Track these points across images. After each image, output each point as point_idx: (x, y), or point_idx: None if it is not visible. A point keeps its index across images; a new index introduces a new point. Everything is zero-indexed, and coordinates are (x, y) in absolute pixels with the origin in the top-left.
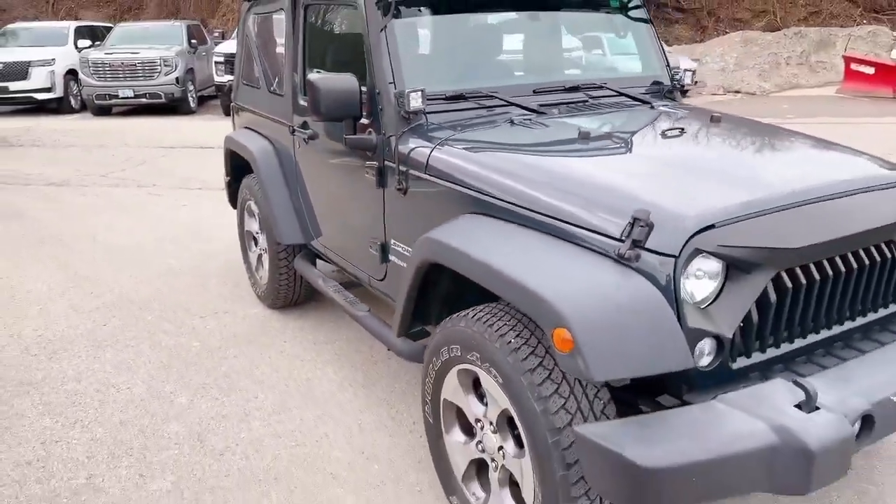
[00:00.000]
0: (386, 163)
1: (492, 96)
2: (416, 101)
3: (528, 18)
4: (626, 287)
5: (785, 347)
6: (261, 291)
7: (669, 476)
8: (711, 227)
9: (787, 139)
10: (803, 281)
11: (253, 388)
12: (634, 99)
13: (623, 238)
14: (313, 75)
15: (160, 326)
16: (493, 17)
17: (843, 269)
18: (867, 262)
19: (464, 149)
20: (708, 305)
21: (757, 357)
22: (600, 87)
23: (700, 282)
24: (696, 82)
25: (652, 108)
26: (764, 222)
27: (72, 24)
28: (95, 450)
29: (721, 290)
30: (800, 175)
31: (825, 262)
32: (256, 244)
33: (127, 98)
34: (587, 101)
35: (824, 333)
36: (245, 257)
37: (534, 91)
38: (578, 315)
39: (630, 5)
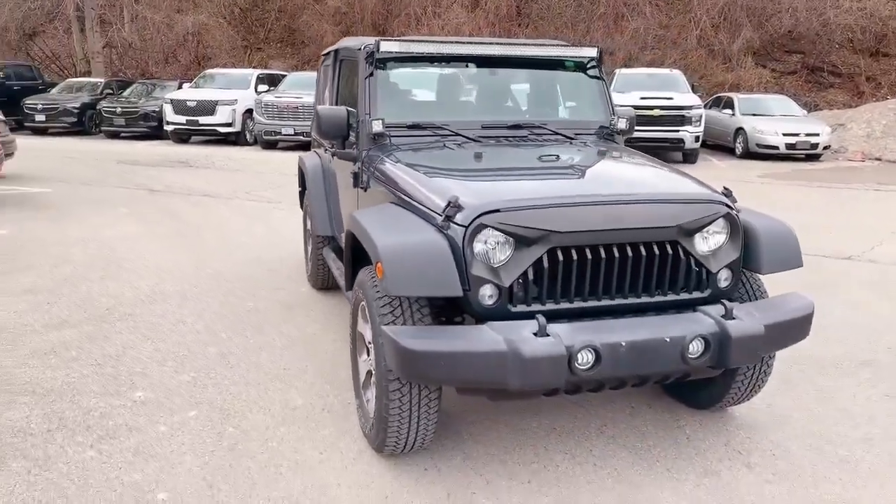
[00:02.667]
0: (360, 169)
1: (442, 127)
2: (377, 126)
3: (488, 73)
4: (427, 242)
5: (556, 305)
6: (308, 275)
7: (422, 356)
8: (497, 211)
9: (634, 166)
10: (574, 257)
11: (271, 333)
12: (566, 136)
13: (441, 214)
14: (319, 106)
15: (232, 293)
16: (455, 71)
17: (616, 255)
18: (631, 253)
19: (394, 161)
20: (500, 266)
21: (536, 307)
22: (540, 127)
23: (494, 249)
24: (623, 130)
25: (571, 143)
26: (543, 212)
27: (255, 72)
28: (154, 355)
29: (511, 257)
30: (594, 186)
31: (600, 248)
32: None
33: (289, 135)
34: (527, 136)
35: (593, 302)
36: (304, 249)
37: (482, 126)
38: (388, 254)
39: (588, 66)
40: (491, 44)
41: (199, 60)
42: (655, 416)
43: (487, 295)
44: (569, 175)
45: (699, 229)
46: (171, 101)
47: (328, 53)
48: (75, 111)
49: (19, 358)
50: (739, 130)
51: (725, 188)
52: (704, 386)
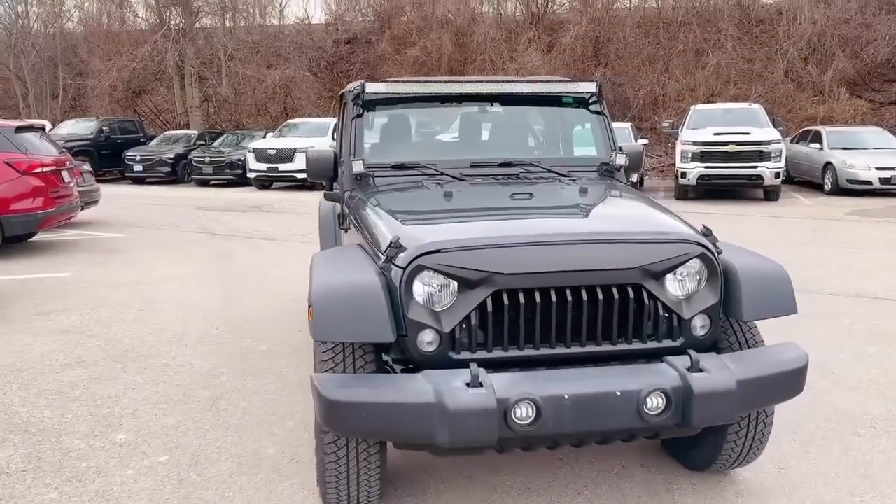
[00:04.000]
0: (342, 209)
1: (426, 167)
2: (357, 167)
3: (479, 112)
4: (359, 284)
5: (504, 353)
6: None
7: (345, 407)
8: (437, 251)
9: (614, 204)
10: (522, 301)
11: (270, 377)
12: (559, 174)
13: (383, 255)
14: (309, 150)
15: (251, 334)
16: (444, 110)
17: (569, 300)
18: (586, 298)
19: (367, 202)
20: (443, 310)
21: (481, 355)
22: (533, 165)
23: (437, 292)
24: (623, 165)
25: (559, 181)
26: (485, 253)
27: (332, 120)
28: (151, 397)
29: (455, 301)
30: (551, 225)
31: (551, 291)
32: None
33: None
34: (518, 174)
35: (546, 350)
36: None
37: (471, 164)
38: (318, 296)
39: (588, 101)
40: (482, 82)
41: (286, 111)
42: (646, 478)
43: (426, 341)
44: (532, 214)
45: (667, 271)
46: (254, 150)
47: (340, 97)
48: (170, 161)
49: (28, 397)
50: (828, 165)
51: (705, 226)
52: (696, 445)
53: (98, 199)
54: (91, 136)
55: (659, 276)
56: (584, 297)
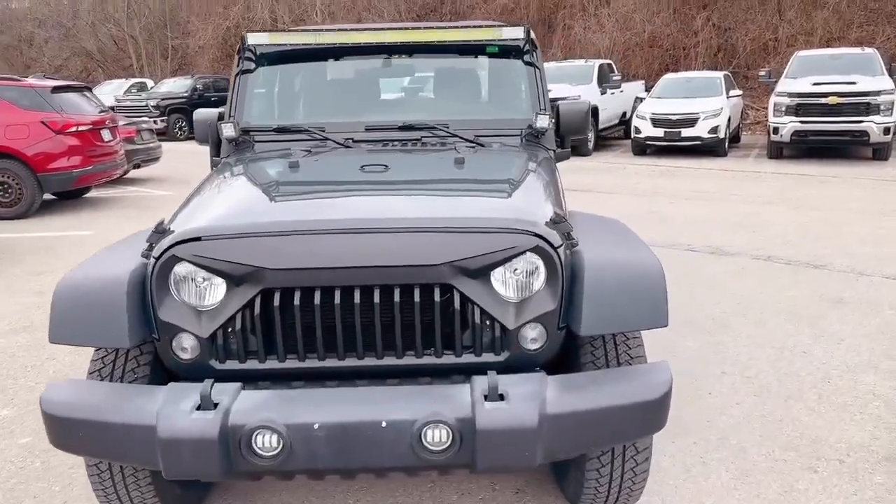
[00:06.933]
0: None
1: (308, 130)
2: (228, 130)
3: (383, 66)
4: (104, 279)
5: (279, 364)
6: None
7: (60, 423)
8: (197, 239)
9: (462, 180)
10: (297, 303)
11: None
12: (466, 140)
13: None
14: (197, 111)
15: None
16: (343, 64)
17: (358, 301)
18: (379, 300)
19: (223, 174)
20: (207, 310)
21: (252, 365)
22: (437, 128)
23: (201, 288)
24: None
25: (448, 149)
26: (251, 242)
27: None
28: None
29: (222, 300)
30: (360, 208)
31: (335, 291)
32: None
33: None
34: (420, 139)
35: (332, 361)
36: None
37: (366, 128)
38: (57, 294)
39: (516, 51)
40: (385, 30)
41: None
42: None
43: (181, 346)
44: (361, 192)
45: (489, 268)
46: None
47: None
48: None
49: None
50: None
51: (556, 213)
52: (564, 478)
53: (158, 156)
54: (186, 94)
55: (477, 275)
56: (376, 299)
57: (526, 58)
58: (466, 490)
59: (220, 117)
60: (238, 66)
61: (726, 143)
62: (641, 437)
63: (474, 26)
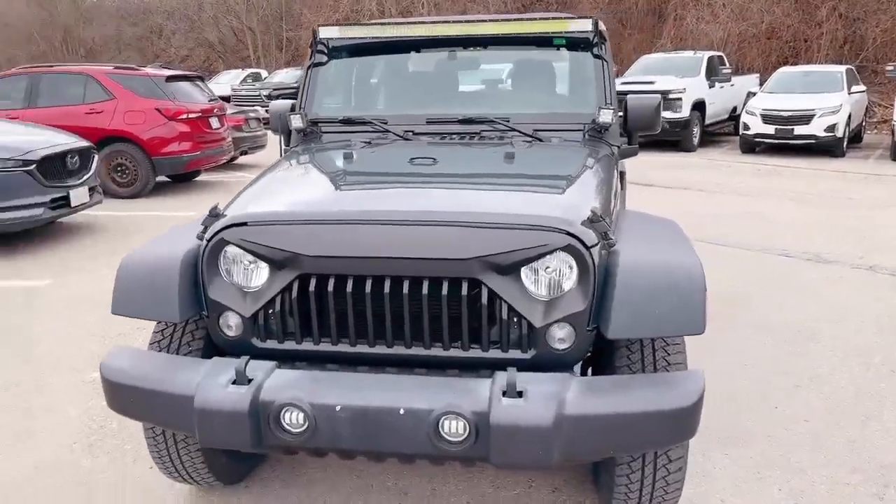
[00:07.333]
0: None
1: (371, 122)
2: (296, 122)
3: (447, 59)
4: (161, 257)
5: (314, 346)
6: None
7: (115, 388)
8: (244, 224)
9: (518, 177)
10: (331, 289)
11: None
12: (526, 135)
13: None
14: (272, 102)
15: None
16: (409, 57)
17: (387, 291)
18: (408, 291)
19: (290, 163)
20: (252, 292)
21: (290, 346)
22: (498, 121)
23: (247, 270)
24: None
25: (507, 144)
26: (291, 229)
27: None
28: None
29: (266, 282)
30: (389, 201)
31: (367, 280)
32: None
33: None
34: (480, 133)
35: (363, 348)
36: None
37: (427, 121)
38: (120, 269)
39: (584, 44)
40: (452, 23)
41: None
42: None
43: (227, 324)
44: (406, 184)
45: (520, 265)
46: None
47: None
48: None
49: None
50: None
51: (593, 212)
52: (597, 480)
53: (264, 144)
54: (295, 85)
55: (506, 271)
56: (406, 290)
57: (595, 51)
58: (502, 484)
59: (293, 108)
60: (310, 58)
61: (845, 143)
62: (669, 446)
63: (542, 19)
